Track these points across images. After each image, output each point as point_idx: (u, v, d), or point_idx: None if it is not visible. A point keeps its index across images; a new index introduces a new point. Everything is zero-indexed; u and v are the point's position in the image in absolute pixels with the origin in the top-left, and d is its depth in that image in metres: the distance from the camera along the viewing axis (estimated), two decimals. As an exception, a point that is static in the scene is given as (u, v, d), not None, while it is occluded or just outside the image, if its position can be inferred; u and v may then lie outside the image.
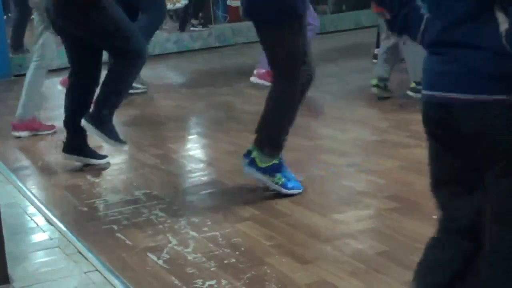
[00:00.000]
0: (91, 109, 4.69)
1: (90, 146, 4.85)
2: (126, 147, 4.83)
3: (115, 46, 4.62)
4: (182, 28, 9.95)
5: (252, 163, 3.99)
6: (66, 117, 4.81)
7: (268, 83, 6.24)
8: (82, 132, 4.74)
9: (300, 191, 4.03)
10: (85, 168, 4.82)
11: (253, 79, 6.72)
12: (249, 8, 3.94)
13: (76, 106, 4.74)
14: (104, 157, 4.87)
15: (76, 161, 4.82)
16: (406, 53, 5.81)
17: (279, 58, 3.90)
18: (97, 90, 4.72)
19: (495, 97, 1.84)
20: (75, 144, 4.78)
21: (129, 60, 4.63)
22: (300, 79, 3.90)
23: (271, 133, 3.98)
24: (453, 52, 1.89)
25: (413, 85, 5.89)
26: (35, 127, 5.74)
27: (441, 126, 2.00)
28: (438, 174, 2.12)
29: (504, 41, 1.78)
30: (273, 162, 3.96)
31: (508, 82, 1.82)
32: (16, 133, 5.72)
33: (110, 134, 4.68)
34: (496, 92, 1.84)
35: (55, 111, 6.53)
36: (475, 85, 1.85)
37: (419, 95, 5.85)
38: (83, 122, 4.64)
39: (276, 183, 3.98)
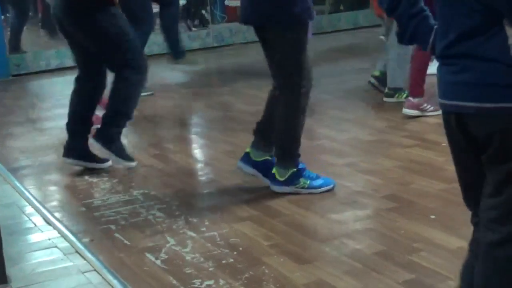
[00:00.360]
0: (99, 126, 4.65)
1: (90, 150, 4.76)
2: (134, 164, 4.73)
3: (113, 58, 4.55)
4: (189, 28, 9.92)
5: (274, 179, 4.02)
6: (69, 120, 4.76)
7: None
8: (83, 136, 4.70)
9: (332, 186, 4.04)
10: (83, 168, 4.82)
11: None
12: (255, 18, 3.90)
13: (80, 111, 4.72)
14: (105, 160, 4.77)
15: (75, 165, 4.75)
16: (392, 56, 5.80)
17: (283, 66, 3.92)
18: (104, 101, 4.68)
19: (505, 104, 1.90)
20: (76, 148, 4.72)
21: (129, 78, 4.56)
22: (305, 86, 3.92)
23: (282, 144, 4.01)
24: (463, 63, 1.95)
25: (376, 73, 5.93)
26: None
27: (457, 132, 2.06)
28: (462, 180, 2.15)
29: None
30: (291, 171, 3.98)
31: None
32: None
33: (118, 152, 4.66)
34: (506, 100, 1.90)
35: (52, 111, 6.54)
36: (486, 94, 1.92)
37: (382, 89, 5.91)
38: (92, 140, 4.64)
39: (303, 188, 4.00)
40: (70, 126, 4.76)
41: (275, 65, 3.97)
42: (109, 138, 4.63)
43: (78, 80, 4.76)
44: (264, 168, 4.08)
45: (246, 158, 4.12)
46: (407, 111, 5.36)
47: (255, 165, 4.09)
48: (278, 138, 4.01)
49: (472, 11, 1.90)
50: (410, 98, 5.36)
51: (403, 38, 2.23)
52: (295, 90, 3.91)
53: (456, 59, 1.97)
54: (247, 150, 4.13)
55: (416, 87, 5.35)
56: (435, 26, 2.11)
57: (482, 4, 1.88)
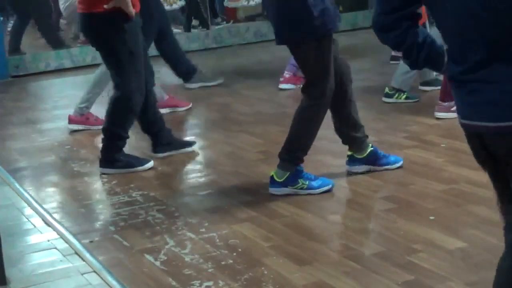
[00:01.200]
0: (101, 155, 4.68)
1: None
2: (151, 164, 4.73)
3: (113, 74, 4.63)
4: (187, 29, 9.92)
5: (273, 181, 4.04)
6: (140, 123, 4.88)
7: (294, 86, 6.47)
8: (162, 130, 4.92)
9: (331, 187, 4.05)
10: (82, 170, 4.82)
11: (281, 85, 6.68)
12: (279, 34, 3.98)
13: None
14: (191, 143, 5.06)
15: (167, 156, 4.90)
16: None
17: (311, 75, 3.99)
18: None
19: None
20: (164, 141, 4.92)
21: (119, 99, 4.59)
22: (328, 96, 3.96)
23: (289, 147, 4.04)
24: (482, 86, 1.97)
25: (386, 90, 5.92)
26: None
27: (481, 149, 2.08)
28: (495, 188, 2.17)
29: None
30: (289, 172, 4.00)
31: None
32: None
33: (128, 164, 4.67)
34: None
35: (51, 112, 6.54)
36: (505, 113, 1.94)
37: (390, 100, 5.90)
38: (101, 171, 4.66)
39: (302, 189, 4.01)
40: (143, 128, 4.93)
41: (304, 74, 4.12)
42: (113, 160, 4.66)
43: None
44: (373, 159, 4.24)
45: (352, 159, 4.27)
46: (438, 114, 5.33)
47: (366, 161, 4.26)
48: (287, 141, 4.03)
49: (488, 41, 1.93)
50: (441, 102, 5.35)
51: (417, 66, 2.26)
52: (315, 100, 3.98)
53: (475, 83, 1.98)
54: (348, 153, 4.29)
55: (445, 92, 5.32)
56: (445, 48, 2.13)
57: (500, 34, 1.91)
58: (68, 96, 6.91)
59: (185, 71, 6.91)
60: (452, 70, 2.06)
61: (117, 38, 4.47)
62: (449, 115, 5.17)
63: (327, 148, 4.87)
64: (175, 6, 9.46)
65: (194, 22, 10.03)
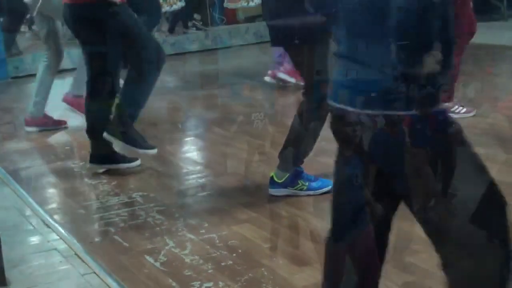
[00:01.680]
0: (111, 120, 4.60)
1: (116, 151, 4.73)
2: (155, 151, 4.71)
3: (131, 53, 4.56)
4: (171, 30, 9.94)
5: (273, 182, 4.04)
6: (89, 125, 4.71)
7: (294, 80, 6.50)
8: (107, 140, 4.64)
9: (331, 188, 4.03)
10: (82, 170, 4.82)
11: (267, 78, 6.74)
12: (275, 37, 4.01)
13: (98, 113, 4.66)
14: (134, 159, 4.77)
15: (105, 169, 4.71)
16: None
17: (311, 79, 3.97)
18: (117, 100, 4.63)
19: (380, 112, 1.88)
20: (103, 153, 4.69)
21: (146, 70, 4.55)
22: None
23: (289, 147, 4.03)
24: (348, 65, 1.94)
25: None
26: (47, 123, 5.87)
27: (342, 136, 2.06)
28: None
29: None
30: (288, 173, 4.01)
31: (391, 99, 1.86)
32: (28, 129, 5.88)
33: (136, 143, 4.64)
34: (384, 108, 1.88)
35: (51, 113, 6.53)
36: (362, 100, 1.91)
37: None
38: (106, 135, 4.59)
39: (301, 190, 4.02)
40: (92, 131, 4.71)
41: (303, 77, 4.10)
42: (123, 131, 4.59)
43: (89, 81, 4.71)
44: None
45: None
46: None
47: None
48: (287, 141, 4.03)
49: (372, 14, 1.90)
50: None
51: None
52: (316, 102, 3.95)
53: (344, 60, 1.96)
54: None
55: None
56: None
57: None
58: (67, 97, 6.90)
59: None
60: (336, 43, 2.02)
61: (117, 21, 4.43)
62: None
63: (327, 148, 4.86)
64: (175, 7, 9.47)
65: (196, 16, 10.04)
